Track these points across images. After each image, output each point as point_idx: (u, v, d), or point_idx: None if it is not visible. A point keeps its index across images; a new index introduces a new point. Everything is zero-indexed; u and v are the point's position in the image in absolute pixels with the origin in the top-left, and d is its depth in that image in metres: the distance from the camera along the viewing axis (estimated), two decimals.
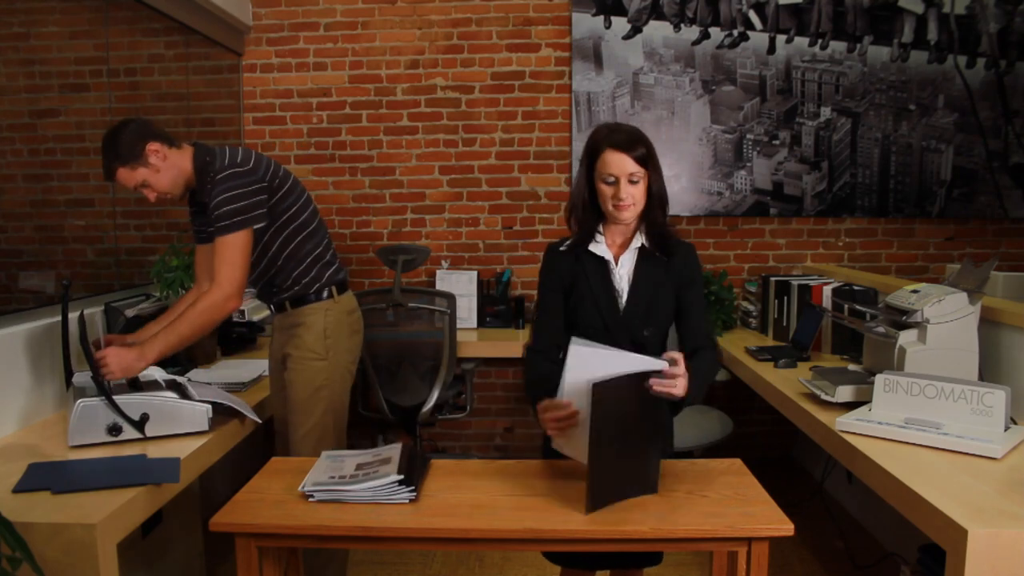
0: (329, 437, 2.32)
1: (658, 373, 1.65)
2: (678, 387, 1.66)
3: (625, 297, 1.90)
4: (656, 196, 1.87)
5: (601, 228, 1.93)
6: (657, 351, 1.83)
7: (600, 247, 1.92)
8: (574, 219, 1.93)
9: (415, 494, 1.67)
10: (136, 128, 2.13)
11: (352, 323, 2.41)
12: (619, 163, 1.81)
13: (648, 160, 1.83)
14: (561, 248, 1.97)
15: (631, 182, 1.82)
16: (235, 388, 2.53)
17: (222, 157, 2.18)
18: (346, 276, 2.43)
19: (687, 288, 1.92)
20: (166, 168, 2.15)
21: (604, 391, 1.56)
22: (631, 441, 1.67)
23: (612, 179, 1.82)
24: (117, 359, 2.02)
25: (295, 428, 2.32)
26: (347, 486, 1.67)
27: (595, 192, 1.87)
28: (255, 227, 2.16)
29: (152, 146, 2.12)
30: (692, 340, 1.92)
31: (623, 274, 1.91)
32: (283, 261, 2.28)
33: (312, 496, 1.67)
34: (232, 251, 2.10)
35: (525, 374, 1.98)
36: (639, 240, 1.91)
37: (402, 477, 1.66)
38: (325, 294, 2.33)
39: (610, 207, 1.84)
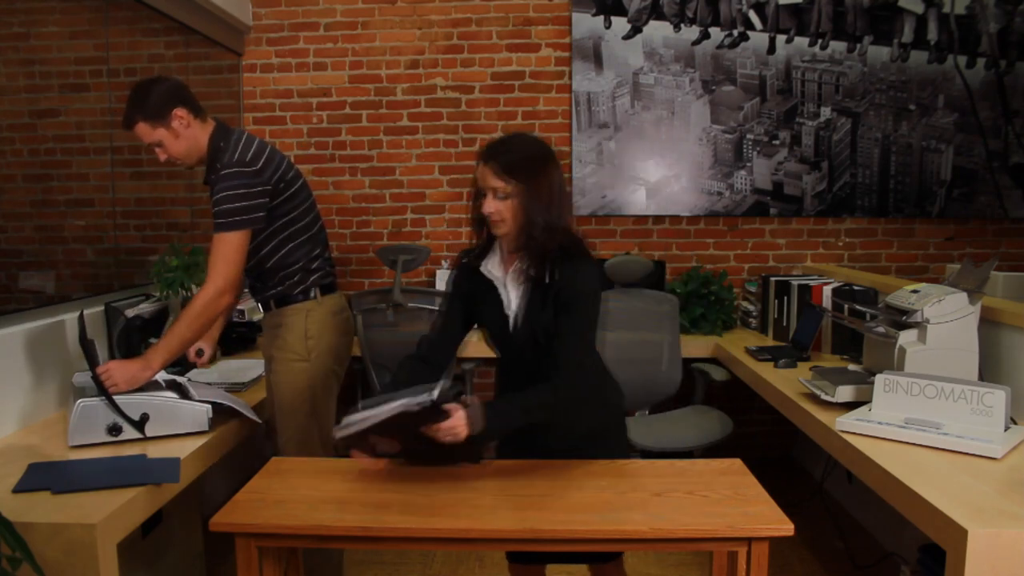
0: (314, 439, 2.28)
1: (431, 408, 1.66)
2: (458, 431, 1.68)
3: (512, 321, 1.84)
4: (534, 216, 1.74)
5: (500, 244, 1.85)
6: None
7: (493, 265, 1.86)
8: (475, 229, 1.86)
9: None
10: (168, 88, 2.12)
11: (338, 324, 2.34)
12: (484, 176, 1.75)
13: (523, 176, 1.73)
14: (464, 260, 1.92)
15: (496, 197, 1.74)
16: (235, 388, 2.53)
17: (232, 151, 2.14)
18: (334, 279, 2.38)
19: (561, 312, 1.79)
20: (185, 136, 2.14)
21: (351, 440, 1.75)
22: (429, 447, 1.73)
23: (481, 192, 1.76)
24: (121, 371, 2.02)
25: (280, 431, 2.30)
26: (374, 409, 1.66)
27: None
28: (251, 229, 2.14)
29: (179, 111, 2.11)
30: (547, 366, 1.81)
31: (512, 297, 1.85)
32: (273, 262, 2.25)
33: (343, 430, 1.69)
34: (227, 248, 2.09)
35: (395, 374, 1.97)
36: (521, 261, 1.82)
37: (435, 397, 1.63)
38: (311, 295, 2.28)
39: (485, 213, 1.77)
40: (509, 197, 1.73)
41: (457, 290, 1.93)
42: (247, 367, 2.77)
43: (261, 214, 2.15)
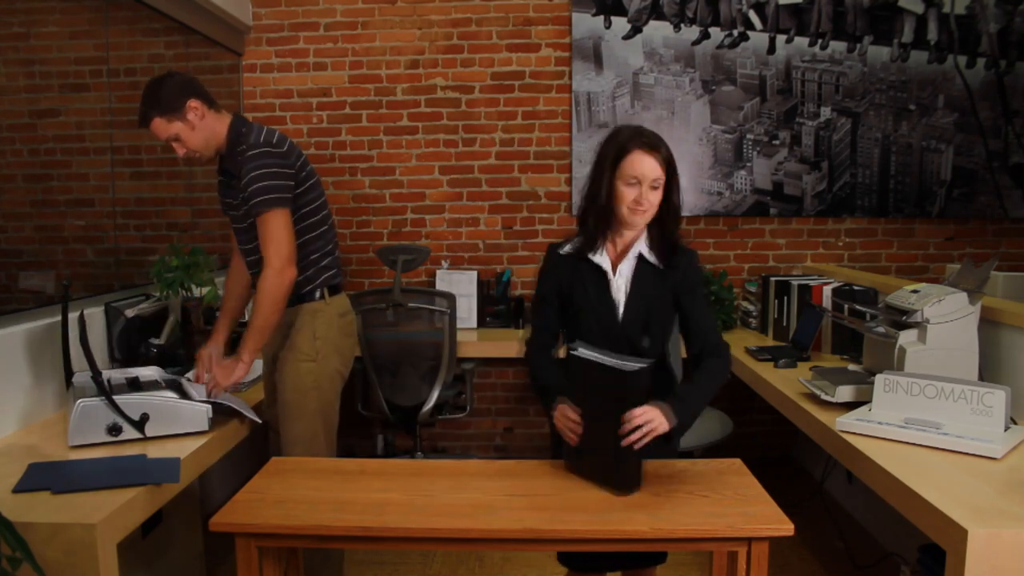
0: (319, 440, 2.29)
1: (637, 373, 1.67)
2: (656, 424, 1.68)
3: (622, 307, 1.88)
4: (672, 206, 1.85)
5: (606, 233, 1.90)
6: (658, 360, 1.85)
7: (600, 256, 1.90)
8: (592, 219, 1.88)
9: None
10: (180, 81, 2.14)
11: (343, 326, 2.36)
12: (647, 165, 1.78)
13: (671, 168, 1.82)
14: (561, 251, 1.96)
15: (652, 187, 1.80)
16: (235, 388, 2.53)
17: (258, 133, 2.17)
18: (342, 280, 2.41)
19: (687, 295, 1.89)
20: (202, 127, 2.15)
21: (584, 368, 1.73)
22: (607, 427, 1.71)
23: (635, 181, 1.79)
24: (224, 375, 2.19)
25: (285, 430, 2.30)
26: None
27: (611, 193, 1.83)
28: (288, 208, 2.16)
29: (193, 102, 2.12)
30: (698, 345, 1.90)
31: (620, 284, 1.89)
32: None
33: None
34: (274, 228, 2.12)
35: (531, 376, 1.99)
36: (639, 248, 1.89)
37: None
38: (317, 295, 2.30)
39: (625, 210, 1.81)
40: (659, 188, 1.81)
41: (557, 284, 1.95)
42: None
43: (290, 195, 2.16)
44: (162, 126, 2.13)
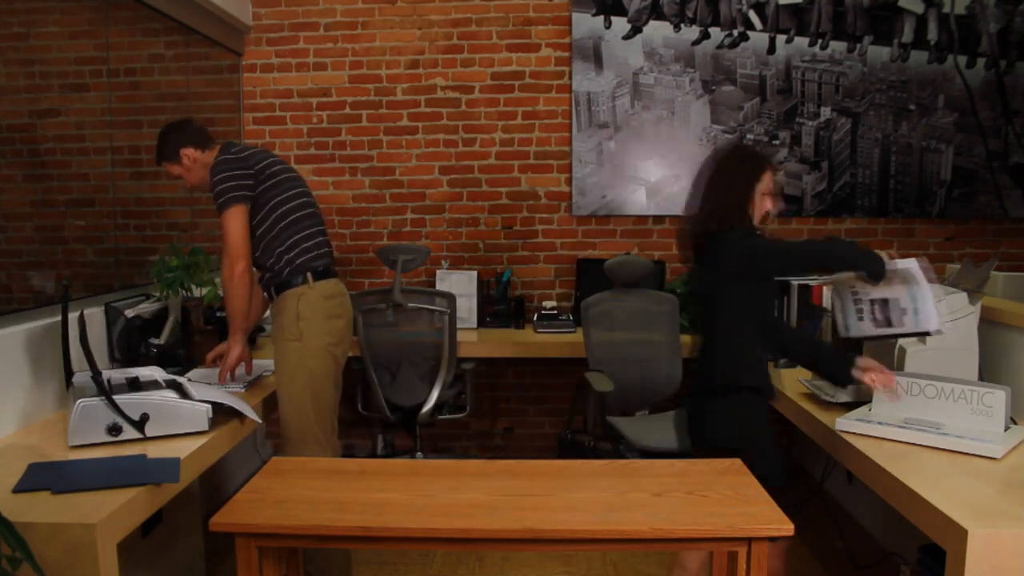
0: (308, 417, 2.42)
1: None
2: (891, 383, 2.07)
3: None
4: None
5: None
6: None
7: None
8: (734, 216, 2.14)
9: None
10: (177, 135, 2.52)
11: (330, 308, 2.50)
12: (777, 180, 2.20)
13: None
14: None
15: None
16: (235, 388, 2.54)
17: (226, 151, 2.48)
18: (327, 265, 2.54)
19: None
20: (195, 168, 2.53)
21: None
22: None
23: (775, 192, 2.17)
24: (233, 358, 2.50)
25: (280, 406, 2.47)
26: None
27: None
28: (243, 205, 2.41)
29: (185, 151, 2.51)
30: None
31: None
32: (265, 243, 2.47)
33: None
34: (227, 224, 2.39)
35: (795, 353, 2.33)
36: None
37: None
38: (300, 280, 2.46)
39: (764, 213, 2.18)
40: None
41: None
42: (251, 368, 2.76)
43: (247, 193, 2.41)
44: (169, 167, 2.57)
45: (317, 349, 2.44)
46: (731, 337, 2.15)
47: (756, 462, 1.94)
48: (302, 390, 2.42)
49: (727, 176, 2.17)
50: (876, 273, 2.03)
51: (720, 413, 2.16)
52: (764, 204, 2.16)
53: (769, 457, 2.09)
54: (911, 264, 2.01)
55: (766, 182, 2.15)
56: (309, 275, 2.47)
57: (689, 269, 2.35)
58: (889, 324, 2.08)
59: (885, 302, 2.08)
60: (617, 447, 3.01)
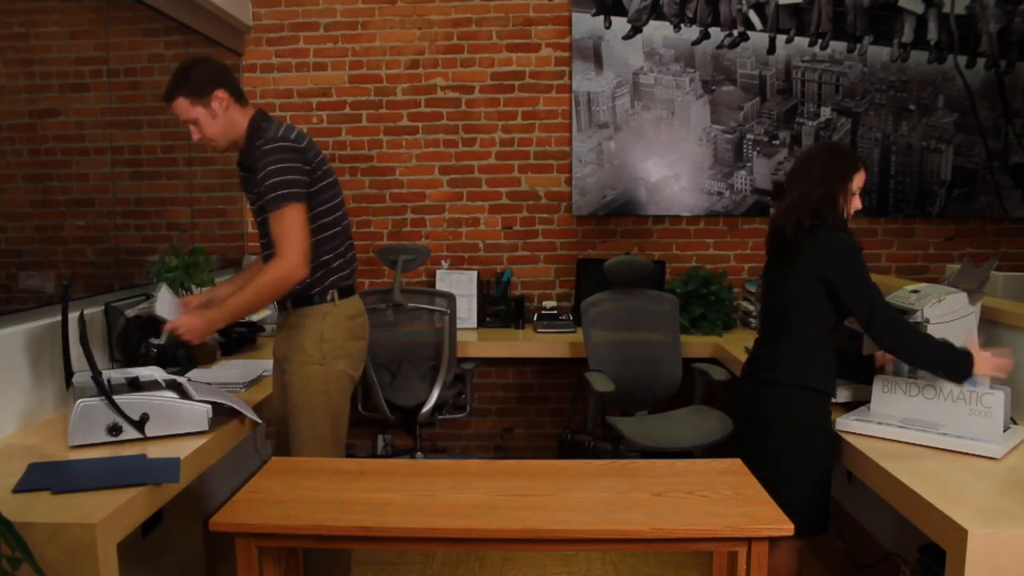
0: (327, 441, 2.29)
1: None
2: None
3: None
4: None
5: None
6: None
7: None
8: (827, 209, 2.12)
9: None
10: (212, 69, 2.18)
11: (354, 328, 2.34)
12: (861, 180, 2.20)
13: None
14: None
15: None
16: (235, 388, 2.53)
17: (276, 128, 2.20)
18: (354, 282, 2.39)
19: None
20: (223, 118, 2.19)
21: None
22: None
23: (855, 192, 2.18)
24: (189, 330, 2.14)
25: (295, 432, 2.30)
26: None
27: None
28: (304, 203, 2.15)
29: (220, 92, 2.16)
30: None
31: None
32: None
33: None
34: (290, 223, 2.11)
35: (924, 347, 2.04)
36: None
37: None
38: (328, 297, 2.28)
39: (852, 210, 2.19)
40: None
41: None
42: (247, 367, 2.76)
43: (306, 191, 2.16)
44: (184, 107, 2.17)
45: (340, 374, 2.29)
46: (806, 334, 2.12)
47: (808, 462, 1.98)
48: (322, 418, 2.26)
49: (823, 170, 2.16)
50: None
51: (781, 407, 2.10)
52: (854, 202, 2.19)
53: (825, 460, 2.09)
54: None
55: (858, 180, 2.18)
56: (335, 292, 2.28)
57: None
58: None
59: None
60: (617, 447, 3.01)
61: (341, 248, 2.32)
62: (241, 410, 2.22)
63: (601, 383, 3.07)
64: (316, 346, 2.26)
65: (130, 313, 2.65)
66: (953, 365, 1.97)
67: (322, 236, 2.25)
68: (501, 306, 3.85)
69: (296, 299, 2.29)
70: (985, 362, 1.97)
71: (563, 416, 4.05)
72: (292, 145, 2.15)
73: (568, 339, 3.56)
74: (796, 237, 2.12)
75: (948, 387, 2.00)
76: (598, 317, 3.30)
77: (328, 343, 2.26)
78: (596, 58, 3.89)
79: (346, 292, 2.33)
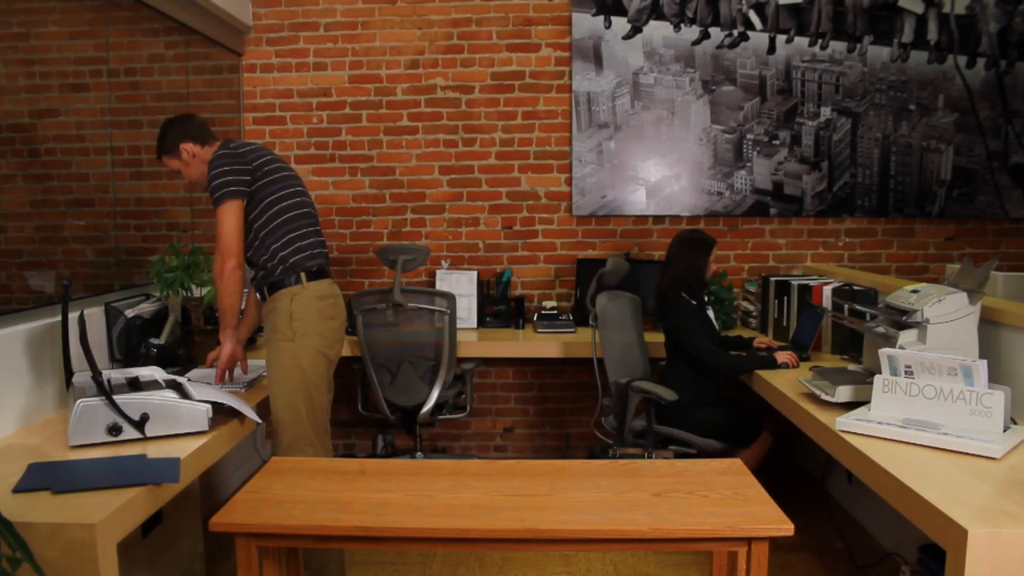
0: (301, 416, 2.40)
1: None
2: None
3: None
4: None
5: None
6: None
7: None
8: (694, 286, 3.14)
9: None
10: (178, 129, 2.52)
11: (324, 308, 2.47)
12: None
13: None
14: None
15: None
16: (235, 388, 2.54)
17: (224, 146, 2.47)
18: (321, 265, 2.52)
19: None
20: (194, 164, 2.53)
21: None
22: None
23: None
24: (230, 357, 2.50)
25: (273, 407, 2.44)
26: None
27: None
28: (238, 200, 2.39)
29: (185, 146, 2.50)
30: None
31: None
32: (260, 240, 2.45)
33: None
34: (222, 219, 2.38)
35: (731, 364, 2.99)
36: None
37: None
38: (293, 280, 2.45)
39: (709, 276, 3.20)
40: None
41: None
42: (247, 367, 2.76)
43: (243, 189, 2.41)
44: (168, 161, 2.56)
45: (310, 350, 2.41)
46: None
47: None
48: (295, 391, 2.39)
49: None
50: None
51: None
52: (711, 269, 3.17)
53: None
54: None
55: (713, 257, 3.16)
56: (303, 275, 2.45)
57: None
58: None
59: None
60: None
61: (303, 230, 2.50)
62: (241, 410, 2.22)
63: (664, 392, 2.96)
64: (287, 324, 2.42)
65: (130, 313, 2.65)
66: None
67: (276, 223, 2.45)
68: (501, 306, 3.85)
69: (271, 286, 2.47)
70: (781, 356, 2.87)
71: (562, 416, 4.05)
72: (228, 152, 2.43)
73: (568, 339, 3.55)
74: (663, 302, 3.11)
75: (949, 387, 2.00)
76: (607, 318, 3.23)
77: (298, 321, 2.42)
78: (596, 58, 3.89)
79: (315, 275, 2.49)
